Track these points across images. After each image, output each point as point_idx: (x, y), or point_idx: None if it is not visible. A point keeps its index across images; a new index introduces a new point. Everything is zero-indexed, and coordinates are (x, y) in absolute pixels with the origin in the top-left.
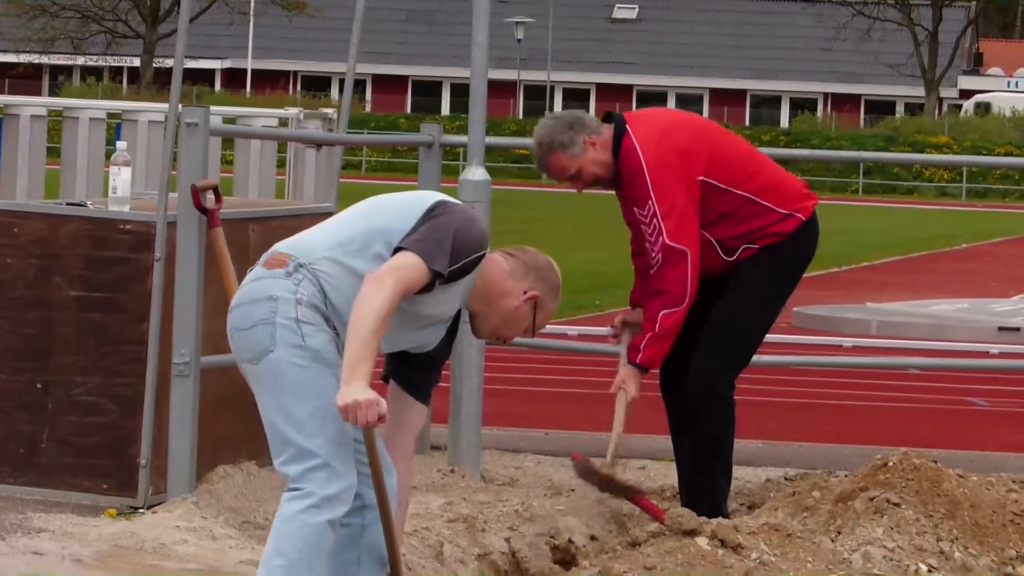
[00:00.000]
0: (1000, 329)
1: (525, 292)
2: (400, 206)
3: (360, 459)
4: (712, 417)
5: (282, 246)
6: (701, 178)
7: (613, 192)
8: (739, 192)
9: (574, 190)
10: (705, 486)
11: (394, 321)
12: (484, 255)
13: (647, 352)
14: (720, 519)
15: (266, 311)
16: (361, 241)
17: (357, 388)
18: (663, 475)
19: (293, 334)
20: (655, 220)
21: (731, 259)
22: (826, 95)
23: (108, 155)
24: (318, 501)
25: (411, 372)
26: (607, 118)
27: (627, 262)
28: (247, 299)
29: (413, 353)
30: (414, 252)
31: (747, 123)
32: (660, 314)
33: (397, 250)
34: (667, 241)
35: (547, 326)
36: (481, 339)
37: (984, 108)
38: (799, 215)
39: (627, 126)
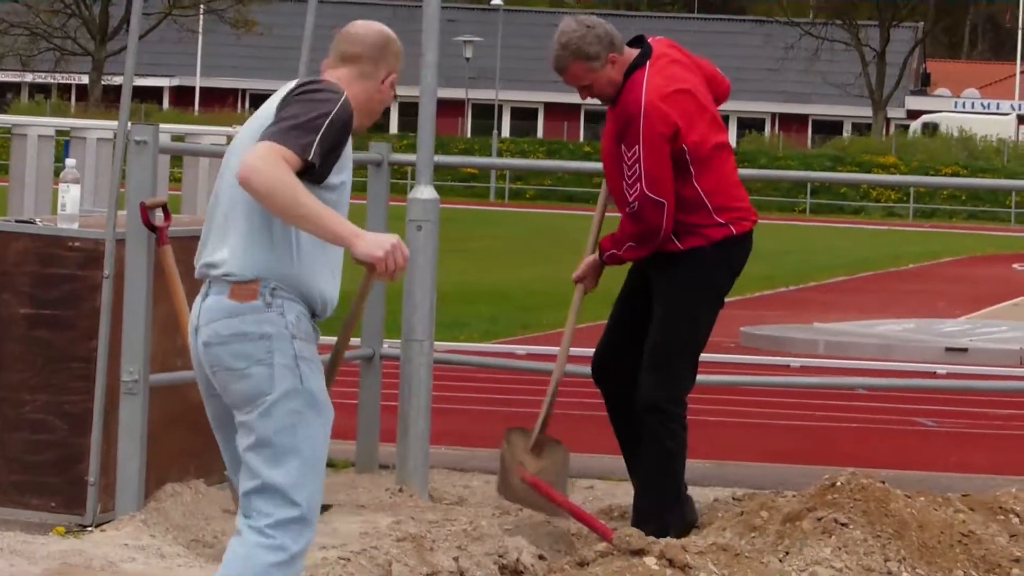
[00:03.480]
0: (947, 349)
1: (384, 81)
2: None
3: None
4: (661, 434)
5: (237, 271)
6: (683, 146)
7: (560, 208)
8: (695, 184)
9: (582, 97)
10: (653, 504)
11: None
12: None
13: (609, 261)
14: (668, 539)
15: (262, 351)
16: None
17: (366, 240)
18: (610, 495)
19: (292, 375)
20: (638, 166)
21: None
22: (774, 115)
23: (57, 172)
24: (288, 558)
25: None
26: (636, 41)
27: None
28: (229, 336)
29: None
30: (279, 142)
31: None
32: (626, 245)
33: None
34: (647, 191)
35: (496, 345)
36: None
37: (932, 128)
38: (732, 227)
39: (647, 62)
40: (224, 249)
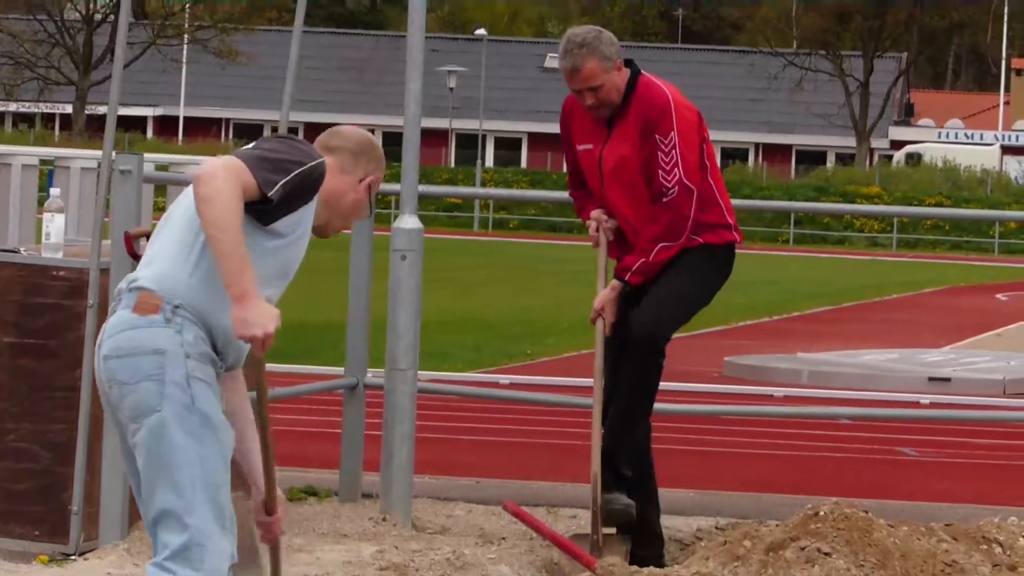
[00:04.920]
0: (930, 379)
1: (361, 181)
2: None
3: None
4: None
5: (148, 283)
6: (703, 135)
7: (544, 238)
8: (709, 180)
9: (588, 103)
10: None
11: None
12: (320, 175)
13: (636, 278)
14: (651, 568)
15: (153, 367)
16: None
17: (254, 309)
18: None
19: (183, 394)
20: (674, 152)
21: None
22: (757, 145)
23: (41, 202)
24: None
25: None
26: (625, 63)
27: (559, 310)
28: (127, 350)
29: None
30: (248, 166)
31: None
32: (658, 245)
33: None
34: (683, 177)
35: (478, 374)
36: (326, 237)
37: (915, 159)
38: (735, 234)
39: (642, 73)
40: (148, 267)
